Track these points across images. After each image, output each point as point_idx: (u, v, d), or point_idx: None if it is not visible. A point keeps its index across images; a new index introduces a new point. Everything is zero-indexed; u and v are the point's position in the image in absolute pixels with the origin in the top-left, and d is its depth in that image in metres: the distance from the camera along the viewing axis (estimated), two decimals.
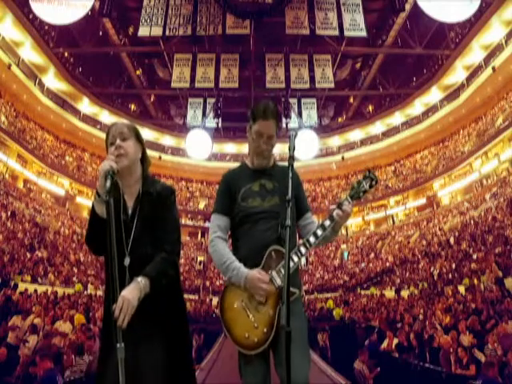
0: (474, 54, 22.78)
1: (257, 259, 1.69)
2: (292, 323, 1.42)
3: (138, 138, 1.71)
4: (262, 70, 22.36)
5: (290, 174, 1.64)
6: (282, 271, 1.59)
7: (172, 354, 1.50)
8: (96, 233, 1.53)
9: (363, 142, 31.72)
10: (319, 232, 1.67)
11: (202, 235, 33.26)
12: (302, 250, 1.65)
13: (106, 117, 28.75)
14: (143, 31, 19.80)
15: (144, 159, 1.74)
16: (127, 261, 1.51)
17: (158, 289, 1.46)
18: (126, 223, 1.58)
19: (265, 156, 1.87)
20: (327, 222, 1.68)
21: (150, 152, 31.69)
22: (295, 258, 1.63)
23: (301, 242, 1.66)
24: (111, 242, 1.33)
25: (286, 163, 1.74)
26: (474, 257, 14.78)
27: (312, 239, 1.66)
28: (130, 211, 1.62)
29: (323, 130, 29.04)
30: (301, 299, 1.78)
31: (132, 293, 1.38)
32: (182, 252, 31.17)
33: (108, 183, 1.40)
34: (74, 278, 17.30)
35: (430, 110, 27.51)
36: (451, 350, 5.56)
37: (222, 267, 1.74)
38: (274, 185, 1.84)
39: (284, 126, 20.99)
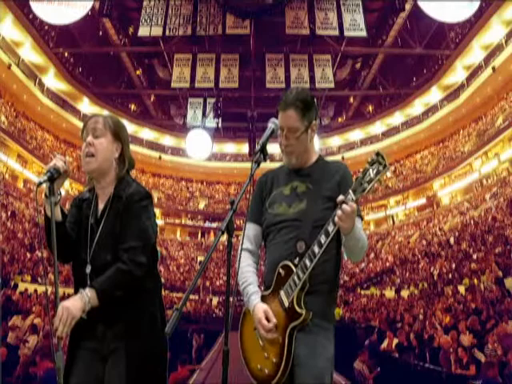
0: (474, 54, 22.76)
1: (272, 278, 1.48)
2: (301, 362, 1.34)
3: (115, 134, 1.55)
4: (262, 70, 22.35)
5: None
6: (289, 290, 1.40)
7: (133, 370, 1.36)
8: (48, 235, 1.41)
9: (363, 142, 31.66)
10: (323, 239, 1.37)
11: (202, 235, 33.29)
12: (307, 263, 1.37)
13: None
14: (143, 31, 19.83)
15: (123, 159, 1.57)
16: (88, 268, 1.45)
17: (108, 301, 1.34)
18: (92, 228, 1.50)
19: (288, 153, 1.61)
20: (330, 227, 1.36)
21: (149, 152, 31.97)
22: (300, 274, 1.38)
23: (307, 254, 1.40)
24: (52, 244, 1.30)
25: (336, 158, 1.55)
26: (474, 257, 14.77)
27: (316, 249, 1.37)
28: (99, 215, 1.52)
29: (323, 130, 29.03)
30: (325, 327, 1.44)
31: (73, 303, 1.28)
32: (181, 252, 30.84)
33: (42, 180, 1.36)
34: None
35: (430, 110, 27.46)
36: (451, 350, 5.56)
37: (240, 288, 1.55)
38: (306, 187, 1.57)
39: None
